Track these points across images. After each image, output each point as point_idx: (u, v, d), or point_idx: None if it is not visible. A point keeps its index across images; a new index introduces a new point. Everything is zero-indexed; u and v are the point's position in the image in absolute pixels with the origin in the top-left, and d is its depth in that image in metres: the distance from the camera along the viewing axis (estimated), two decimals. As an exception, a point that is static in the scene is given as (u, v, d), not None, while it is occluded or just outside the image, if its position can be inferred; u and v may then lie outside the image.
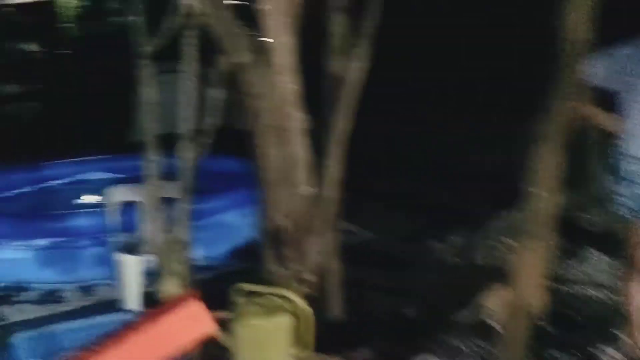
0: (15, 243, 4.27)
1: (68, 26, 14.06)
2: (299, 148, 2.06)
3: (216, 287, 3.38)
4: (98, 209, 4.41)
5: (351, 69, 2.43)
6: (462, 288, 4.06)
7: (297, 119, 1.98)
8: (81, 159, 6.31)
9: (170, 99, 8.67)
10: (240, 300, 2.30)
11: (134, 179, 6.24)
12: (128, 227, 3.64)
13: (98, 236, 4.28)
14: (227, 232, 4.84)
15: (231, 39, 2.32)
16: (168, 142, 8.15)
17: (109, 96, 11.26)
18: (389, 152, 6.91)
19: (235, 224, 4.89)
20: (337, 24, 2.66)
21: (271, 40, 1.77)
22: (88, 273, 4.24)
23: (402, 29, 8.05)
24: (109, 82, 12.48)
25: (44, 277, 4.23)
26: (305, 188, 2.22)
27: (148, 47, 2.04)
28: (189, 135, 2.20)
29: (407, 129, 7.44)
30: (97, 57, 14.00)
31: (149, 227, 3.24)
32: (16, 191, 5.66)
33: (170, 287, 2.18)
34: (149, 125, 2.11)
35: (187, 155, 2.23)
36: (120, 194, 3.18)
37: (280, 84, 1.88)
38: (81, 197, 5.54)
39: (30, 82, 15.51)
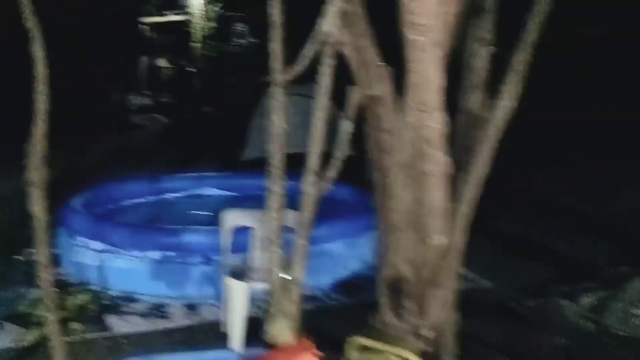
0: (129, 253, 4.35)
1: (198, 45, 14.78)
2: (437, 193, 1.83)
3: (321, 322, 3.21)
4: (211, 228, 4.44)
5: (496, 108, 2.17)
6: (591, 358, 3.61)
7: (438, 162, 1.76)
8: (198, 173, 6.44)
9: (294, 120, 8.73)
10: (355, 355, 2.10)
11: (247, 198, 6.41)
12: (239, 250, 3.59)
13: (208, 255, 4.29)
14: (331, 262, 4.66)
15: (369, 69, 2.15)
16: (288, 164, 8.20)
17: (229, 113, 11.70)
18: (518, 191, 6.39)
19: (341, 254, 4.71)
20: (480, 57, 2.42)
21: (417, 74, 1.57)
22: (195, 291, 4.23)
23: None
24: (231, 100, 13.03)
25: (153, 289, 4.26)
26: (438, 237, 1.99)
27: (282, 74, 1.91)
28: (315, 167, 2.04)
29: (543, 169, 6.95)
30: (223, 76, 14.65)
31: (261, 255, 3.14)
32: (135, 201, 5.87)
33: (280, 328, 2.03)
34: (275, 153, 1.97)
35: (311, 189, 2.07)
36: (236, 217, 3.10)
37: (424, 123, 1.68)
38: (196, 213, 5.61)
39: (160, 96, 16.57)
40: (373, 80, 2.16)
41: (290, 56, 2.09)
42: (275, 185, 2.04)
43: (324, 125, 2.06)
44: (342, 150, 2.17)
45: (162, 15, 15.81)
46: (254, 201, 6.15)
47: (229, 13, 16.06)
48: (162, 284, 4.24)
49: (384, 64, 2.21)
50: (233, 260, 3.30)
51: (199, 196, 6.17)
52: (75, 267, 4.50)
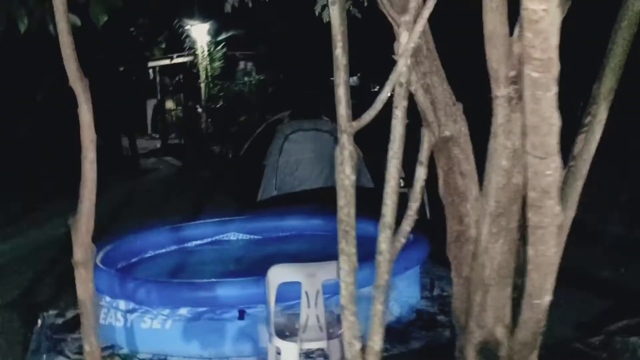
0: (155, 311, 4.06)
1: (205, 85, 14.73)
2: (549, 248, 1.58)
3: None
4: (244, 279, 4.15)
5: (587, 142, 1.91)
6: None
7: (553, 213, 1.51)
8: (219, 219, 6.18)
9: (309, 156, 8.41)
10: None
11: (270, 240, 6.17)
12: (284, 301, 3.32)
13: (244, 308, 4.00)
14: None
15: (440, 108, 1.92)
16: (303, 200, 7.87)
17: (240, 153, 11.49)
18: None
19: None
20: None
21: (536, 115, 1.34)
22: (231, 349, 3.92)
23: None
24: (240, 139, 12.87)
25: (186, 350, 3.96)
26: (548, 297, 1.72)
27: (349, 123, 1.69)
28: (391, 222, 1.78)
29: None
30: (231, 114, 14.53)
31: (310, 313, 2.85)
32: (157, 252, 5.60)
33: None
34: (343, 208, 1.71)
35: (386, 247, 1.81)
36: (283, 273, 2.83)
37: (539, 169, 1.43)
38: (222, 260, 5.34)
39: (168, 137, 16.49)
40: (446, 120, 1.92)
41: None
42: (348, 245, 1.77)
43: (399, 173, 1.81)
44: (416, 200, 1.90)
45: (169, 58, 15.81)
46: (277, 243, 6.02)
47: (234, 52, 16.10)
48: (195, 343, 3.93)
49: (456, 102, 1.97)
50: (280, 318, 3.00)
51: (224, 242, 5.91)
52: (100, 329, 4.20)
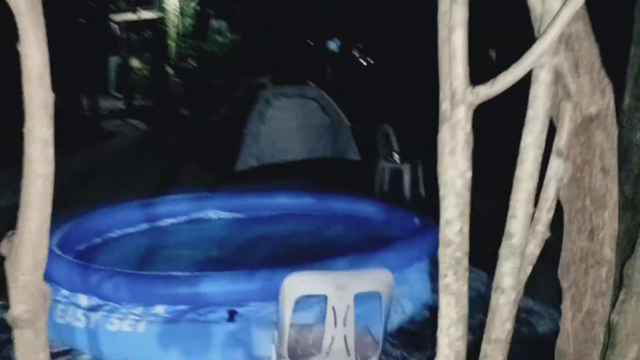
0: (125, 310, 3.35)
1: (174, 44, 13.74)
2: None
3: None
4: (235, 272, 3.47)
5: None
6: None
7: None
8: (197, 194, 5.44)
9: (292, 125, 7.72)
10: None
11: (255, 220, 5.48)
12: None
13: (233, 308, 3.33)
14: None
15: (588, 72, 1.26)
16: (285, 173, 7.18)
17: (214, 118, 10.66)
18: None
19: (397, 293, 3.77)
20: None
21: None
22: (218, 357, 3.25)
23: None
24: (214, 103, 11.99)
25: (162, 357, 3.27)
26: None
27: (469, 94, 1.00)
28: (520, 246, 1.13)
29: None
30: (203, 76, 13.59)
31: (337, 332, 2.20)
32: (123, 232, 4.85)
33: None
34: (452, 224, 1.05)
35: (511, 283, 1.16)
36: (304, 284, 2.16)
37: None
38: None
39: (134, 98, 15.41)
40: (591, 90, 1.26)
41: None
42: (458, 281, 1.11)
43: (537, 167, 1.14)
44: (549, 208, 1.25)
45: (134, 12, 14.66)
46: (264, 223, 5.34)
47: (206, 9, 15.06)
48: (175, 350, 3.25)
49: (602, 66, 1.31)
50: (295, 337, 2.34)
51: (201, 221, 5.19)
52: (57, 329, 3.47)
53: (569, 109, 1.25)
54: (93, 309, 3.42)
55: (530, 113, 1.12)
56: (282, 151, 8.18)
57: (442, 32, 1.10)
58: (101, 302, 3.44)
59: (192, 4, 14.00)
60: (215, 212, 5.25)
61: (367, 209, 5.24)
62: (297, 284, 2.11)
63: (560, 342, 1.54)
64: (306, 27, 13.96)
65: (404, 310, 3.77)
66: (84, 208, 5.17)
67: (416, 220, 4.54)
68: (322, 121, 8.42)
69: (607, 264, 1.41)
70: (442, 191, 1.12)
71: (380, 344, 2.29)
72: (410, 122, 11.12)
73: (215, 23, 16.68)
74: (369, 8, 13.52)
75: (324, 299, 2.18)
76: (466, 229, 1.12)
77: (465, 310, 1.16)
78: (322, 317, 3.08)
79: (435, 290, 3.85)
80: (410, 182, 6.59)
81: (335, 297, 2.11)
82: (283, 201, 5.42)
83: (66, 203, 6.34)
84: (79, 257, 4.11)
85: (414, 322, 3.72)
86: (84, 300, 3.49)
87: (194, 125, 12.30)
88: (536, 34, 1.22)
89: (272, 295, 3.31)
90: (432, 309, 3.90)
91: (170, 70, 14.01)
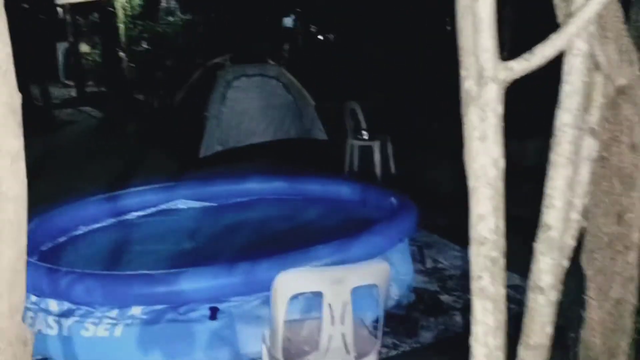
0: (99, 313, 3.17)
1: (123, 26, 13.20)
2: None
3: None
4: (215, 267, 3.31)
5: None
6: None
7: None
8: (163, 184, 5.21)
9: (257, 104, 7.51)
10: None
11: (227, 207, 5.29)
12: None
13: (215, 305, 3.19)
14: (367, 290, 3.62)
15: (614, 41, 1.15)
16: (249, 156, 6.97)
17: (170, 102, 10.31)
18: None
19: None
20: None
21: None
22: (204, 358, 3.10)
23: None
24: (169, 87, 11.60)
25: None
26: None
27: (501, 69, 0.87)
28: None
29: None
30: (155, 59, 13.13)
31: (334, 331, 2.09)
32: (91, 226, 4.62)
33: None
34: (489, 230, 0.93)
35: (544, 302, 1.05)
36: (298, 281, 2.02)
37: None
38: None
39: (86, 85, 14.81)
40: (619, 60, 1.15)
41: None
42: (494, 284, 1.00)
43: (576, 150, 1.03)
44: (581, 194, 1.13)
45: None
46: (234, 210, 5.17)
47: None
48: (155, 353, 3.09)
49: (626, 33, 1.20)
50: (286, 335, 2.20)
51: (170, 212, 4.97)
52: (26, 337, 3.27)
53: (599, 82, 1.15)
54: (65, 314, 3.22)
55: (567, 88, 1.01)
56: (247, 133, 7.97)
57: (461, 1, 0.97)
58: (73, 306, 3.24)
59: (141, -16, 13.46)
60: (184, 201, 5.04)
61: (342, 189, 5.13)
62: (290, 281, 1.98)
63: (585, 333, 1.46)
64: (260, 3, 13.61)
65: (391, 295, 3.68)
66: (42, 205, 4.89)
67: (393, 199, 4.44)
68: (285, 100, 8.23)
69: (636, 249, 1.33)
70: (473, 182, 1.00)
71: (380, 338, 2.19)
72: (374, 97, 11.03)
73: (164, 2, 16.13)
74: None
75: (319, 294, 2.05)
76: (502, 225, 1.00)
77: (503, 315, 1.05)
78: (311, 309, 2.98)
79: (418, 271, 3.79)
80: (380, 159, 6.51)
81: (331, 294, 1.99)
82: (254, 186, 5.25)
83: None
84: (44, 258, 3.88)
85: (401, 307, 3.64)
86: (54, 305, 3.28)
87: (151, 111, 11.91)
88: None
89: (255, 288, 3.21)
90: (417, 291, 3.84)
91: (122, 54, 13.49)
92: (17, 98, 0.83)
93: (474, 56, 0.96)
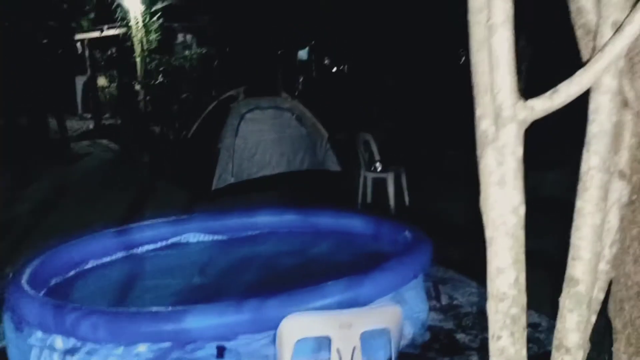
0: (105, 350, 3.08)
1: (140, 59, 13.39)
2: None
3: None
4: (223, 304, 3.22)
5: None
6: None
7: None
8: (174, 217, 5.16)
9: (270, 137, 7.51)
10: None
11: (237, 241, 5.23)
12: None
13: (222, 344, 3.09)
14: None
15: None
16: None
17: (186, 134, 10.35)
18: None
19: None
20: None
21: None
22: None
23: None
24: (185, 119, 11.67)
25: (148, 402, 3.01)
26: None
27: (518, 108, 0.80)
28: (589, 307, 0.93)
29: None
30: (171, 92, 13.27)
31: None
32: (101, 260, 4.56)
33: None
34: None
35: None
36: (304, 325, 1.93)
37: None
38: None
39: (102, 118, 14.99)
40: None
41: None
42: (515, 343, 0.91)
43: (604, 196, 0.95)
44: (617, 223, 1.05)
45: (99, 30, 14.28)
46: (245, 244, 5.10)
47: (172, 24, 14.76)
48: (161, 393, 2.99)
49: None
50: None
51: (181, 245, 4.91)
52: (30, 375, 3.20)
53: (628, 120, 1.06)
54: (70, 351, 3.14)
55: (594, 129, 0.93)
56: (260, 165, 7.94)
57: (477, 35, 0.90)
58: (78, 343, 3.16)
59: (156, 19, 13.71)
60: (195, 235, 4.98)
61: (355, 223, 5.04)
62: (296, 325, 1.89)
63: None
64: (275, 37, 13.76)
65: (404, 334, 3.56)
66: (55, 236, 4.87)
67: (407, 233, 4.34)
68: (298, 132, 8.21)
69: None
70: (491, 232, 0.92)
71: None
72: (388, 128, 11.00)
73: (181, 36, 16.40)
74: (339, 16, 13.40)
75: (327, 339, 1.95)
76: (522, 279, 0.92)
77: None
78: (320, 349, 2.87)
79: (433, 308, 3.67)
80: (394, 191, 6.42)
81: (340, 338, 1.89)
82: (265, 219, 5.18)
83: (36, 231, 6.05)
84: (51, 293, 3.83)
85: (415, 346, 3.51)
86: (59, 342, 3.20)
87: (165, 142, 11.98)
88: (581, 38, 1.03)
89: (263, 327, 3.12)
90: (432, 330, 3.71)
91: (138, 87, 13.66)
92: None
93: (490, 94, 0.89)
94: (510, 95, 0.88)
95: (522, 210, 0.91)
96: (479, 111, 0.93)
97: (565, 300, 0.99)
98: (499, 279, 0.92)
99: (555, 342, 1.02)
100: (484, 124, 0.91)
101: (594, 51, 0.97)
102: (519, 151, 0.89)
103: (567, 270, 0.98)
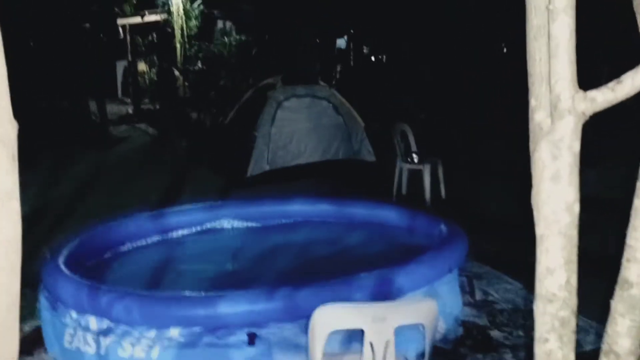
0: (137, 333, 3.11)
1: (180, 46, 13.51)
2: None
3: None
4: (255, 291, 3.22)
5: None
6: None
7: None
8: (209, 203, 5.19)
9: (307, 125, 7.49)
10: None
11: (271, 228, 5.23)
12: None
13: (253, 330, 3.09)
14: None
15: None
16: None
17: (223, 122, 10.41)
18: None
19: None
20: None
21: None
22: (239, 386, 3.00)
23: None
24: (223, 106, 11.74)
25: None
26: None
27: (579, 100, 0.74)
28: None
29: None
30: (211, 78, 13.35)
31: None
32: (137, 243, 4.62)
33: None
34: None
35: None
36: (337, 317, 1.90)
37: None
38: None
39: (142, 102, 15.21)
40: None
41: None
42: (564, 347, 0.85)
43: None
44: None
45: (140, 15, 14.46)
46: (279, 232, 5.09)
47: (212, 10, 14.84)
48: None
49: None
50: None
51: (215, 231, 4.94)
52: (64, 353, 3.26)
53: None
54: (103, 332, 3.19)
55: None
56: (295, 154, 7.92)
57: (534, 20, 0.84)
58: (112, 325, 3.20)
59: (197, 5, 13.80)
60: (229, 221, 5.00)
61: (389, 214, 4.97)
62: (329, 317, 1.85)
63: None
64: (314, 25, 13.69)
65: (437, 329, 3.49)
66: (92, 218, 4.96)
67: (442, 226, 4.26)
68: (334, 121, 8.16)
69: None
70: (542, 230, 0.86)
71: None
72: (426, 118, 10.84)
73: (221, 23, 16.46)
74: (379, 4, 13.24)
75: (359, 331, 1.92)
76: (574, 281, 0.86)
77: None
78: (351, 341, 2.84)
79: (467, 304, 3.60)
80: (430, 183, 6.33)
81: (373, 331, 1.85)
82: (299, 208, 5.16)
83: (73, 213, 6.17)
84: (87, 274, 3.88)
85: (448, 341, 3.45)
86: (93, 323, 3.25)
87: (203, 129, 12.07)
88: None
89: (295, 315, 3.10)
90: (466, 325, 3.64)
91: (177, 73, 13.80)
92: (10, 128, 0.73)
93: (546, 84, 0.83)
94: (569, 85, 0.81)
95: (576, 208, 0.85)
96: (533, 102, 0.87)
97: (618, 304, 0.93)
98: (549, 280, 0.86)
99: (604, 347, 0.96)
100: (538, 116, 0.85)
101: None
102: (576, 145, 0.83)
103: (621, 273, 0.92)
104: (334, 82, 12.24)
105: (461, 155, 8.40)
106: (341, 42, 15.96)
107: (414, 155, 6.44)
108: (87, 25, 13.19)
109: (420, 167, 6.38)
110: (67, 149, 9.77)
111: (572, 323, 0.88)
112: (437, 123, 10.66)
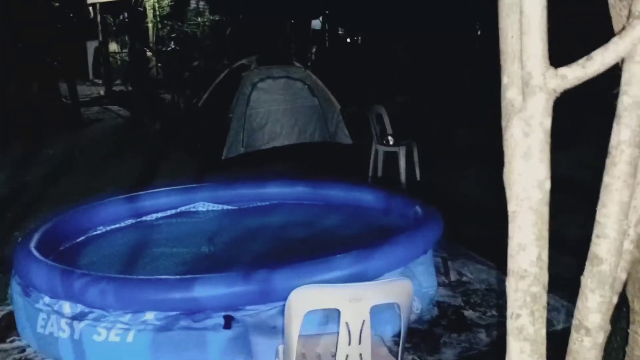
0: (112, 317, 3.08)
1: (153, 26, 13.27)
2: None
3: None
4: (231, 273, 3.20)
5: None
6: None
7: None
8: (184, 186, 5.14)
9: (283, 107, 7.44)
10: None
11: (247, 211, 5.21)
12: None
13: (230, 313, 3.08)
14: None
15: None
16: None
17: (196, 103, 10.30)
18: None
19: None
20: None
21: None
22: (215, 368, 3.00)
23: None
24: (195, 87, 11.60)
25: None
26: None
27: (549, 77, 0.75)
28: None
29: None
30: (180, 59, 13.15)
31: (352, 352, 1.96)
32: (110, 227, 4.57)
33: None
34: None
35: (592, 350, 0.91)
36: (313, 298, 1.90)
37: None
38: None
39: (113, 84, 14.94)
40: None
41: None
42: (535, 322, 0.86)
43: (634, 172, 0.90)
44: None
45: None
46: (254, 215, 5.08)
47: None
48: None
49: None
50: (301, 350, 2.09)
51: (190, 214, 4.90)
52: (39, 340, 3.22)
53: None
54: (77, 317, 3.15)
55: (626, 101, 0.87)
56: (271, 136, 7.88)
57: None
58: (86, 309, 3.17)
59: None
60: (204, 204, 4.96)
61: (365, 196, 4.99)
62: (305, 298, 1.86)
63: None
64: (289, 5, 13.56)
65: (412, 309, 3.54)
66: (65, 202, 4.89)
67: (417, 207, 4.29)
68: (310, 103, 8.12)
69: None
70: (514, 207, 0.87)
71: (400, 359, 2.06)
72: (401, 101, 10.86)
73: (194, 3, 16.19)
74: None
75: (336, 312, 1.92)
76: (545, 256, 0.87)
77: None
78: (327, 322, 2.86)
79: (442, 284, 3.64)
80: (406, 165, 6.36)
81: (349, 312, 1.86)
82: (275, 190, 5.15)
83: (45, 197, 6.06)
84: (60, 258, 3.82)
85: (423, 321, 3.49)
86: (67, 308, 3.21)
87: (176, 110, 11.92)
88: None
89: (271, 298, 3.11)
90: (440, 306, 3.69)
91: (149, 54, 13.57)
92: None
93: (518, 61, 0.83)
94: (540, 62, 0.82)
95: (547, 185, 0.85)
96: (505, 79, 0.87)
97: (588, 280, 0.94)
98: (520, 256, 0.87)
99: (574, 322, 0.98)
100: (510, 93, 0.85)
101: (630, 18, 0.91)
102: (547, 122, 0.83)
103: (591, 249, 0.93)
104: (309, 64, 12.15)
105: (437, 139, 8.45)
106: (316, 23, 15.84)
107: (390, 138, 6.46)
108: (56, 4, 12.85)
109: (395, 149, 6.40)
110: (38, 132, 9.57)
111: (544, 299, 0.90)
112: (413, 106, 10.69)
